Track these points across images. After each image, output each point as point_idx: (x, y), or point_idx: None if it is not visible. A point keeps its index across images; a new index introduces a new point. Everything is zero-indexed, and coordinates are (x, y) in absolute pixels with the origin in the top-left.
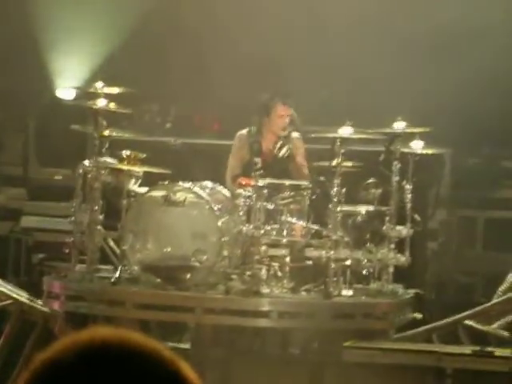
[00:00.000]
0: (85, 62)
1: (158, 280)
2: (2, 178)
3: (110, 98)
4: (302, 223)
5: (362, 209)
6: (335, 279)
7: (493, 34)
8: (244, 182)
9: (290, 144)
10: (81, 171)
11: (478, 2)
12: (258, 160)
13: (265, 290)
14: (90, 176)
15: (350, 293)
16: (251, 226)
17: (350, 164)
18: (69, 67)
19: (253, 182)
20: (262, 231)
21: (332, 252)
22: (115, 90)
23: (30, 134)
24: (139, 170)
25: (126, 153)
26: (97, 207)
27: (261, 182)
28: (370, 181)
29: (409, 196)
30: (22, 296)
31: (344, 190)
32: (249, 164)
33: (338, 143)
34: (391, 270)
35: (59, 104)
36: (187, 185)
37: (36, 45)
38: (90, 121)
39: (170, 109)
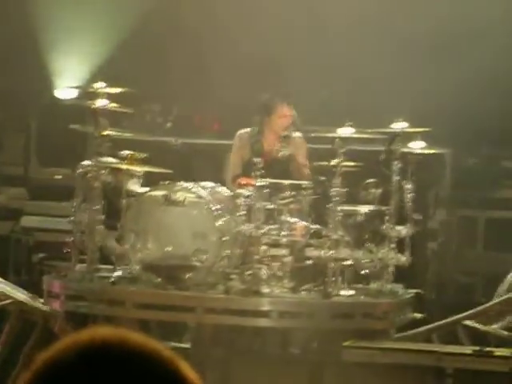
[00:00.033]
0: (85, 61)
1: (158, 279)
2: (2, 177)
3: (110, 97)
4: (302, 223)
5: (363, 208)
6: (335, 279)
7: (493, 34)
8: (244, 182)
9: (291, 144)
10: (81, 171)
11: (478, 2)
12: (258, 160)
13: (265, 289)
14: (90, 176)
15: (350, 292)
16: (251, 226)
17: (350, 164)
18: (69, 67)
19: (253, 182)
20: (262, 231)
21: (332, 252)
22: (116, 90)
23: (30, 133)
24: (140, 169)
25: (126, 152)
26: (97, 207)
27: (261, 182)
28: (371, 180)
29: (409, 196)
30: (23, 295)
31: (344, 189)
32: (249, 163)
33: (339, 143)
34: (391, 269)
35: (59, 104)
36: (187, 184)
37: (36, 45)
38: (91, 120)
39: (171, 109)
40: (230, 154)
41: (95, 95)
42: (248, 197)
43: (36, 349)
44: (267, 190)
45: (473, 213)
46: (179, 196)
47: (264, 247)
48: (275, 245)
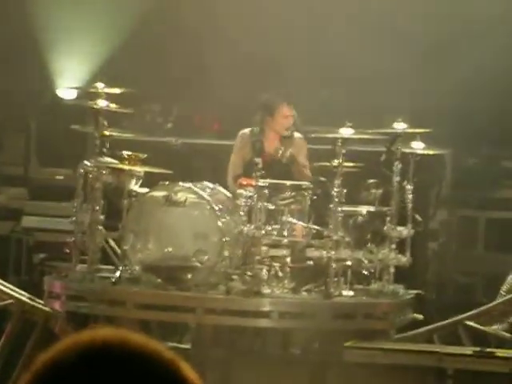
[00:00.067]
0: (85, 62)
1: (159, 280)
2: (2, 177)
3: (110, 98)
4: (302, 223)
5: (363, 209)
6: (336, 279)
7: (493, 34)
8: (245, 183)
9: (292, 145)
10: (82, 171)
11: (478, 2)
12: (258, 160)
13: (266, 290)
14: (90, 176)
15: (351, 293)
16: (252, 227)
17: (350, 164)
18: (69, 67)
19: (254, 183)
20: (263, 231)
21: (333, 252)
22: (116, 90)
23: (30, 133)
24: (140, 170)
25: (126, 153)
26: (98, 207)
27: (262, 182)
28: (371, 181)
29: (410, 196)
30: (23, 296)
31: (345, 190)
32: (250, 164)
33: (339, 143)
34: (392, 270)
35: (60, 104)
36: (188, 185)
37: (36, 45)
38: (91, 121)
39: (171, 109)
40: (231, 154)
41: (95, 95)
42: (249, 197)
43: (36, 349)
44: (268, 191)
45: (473, 213)
46: (180, 197)
47: (265, 248)
48: (276, 245)
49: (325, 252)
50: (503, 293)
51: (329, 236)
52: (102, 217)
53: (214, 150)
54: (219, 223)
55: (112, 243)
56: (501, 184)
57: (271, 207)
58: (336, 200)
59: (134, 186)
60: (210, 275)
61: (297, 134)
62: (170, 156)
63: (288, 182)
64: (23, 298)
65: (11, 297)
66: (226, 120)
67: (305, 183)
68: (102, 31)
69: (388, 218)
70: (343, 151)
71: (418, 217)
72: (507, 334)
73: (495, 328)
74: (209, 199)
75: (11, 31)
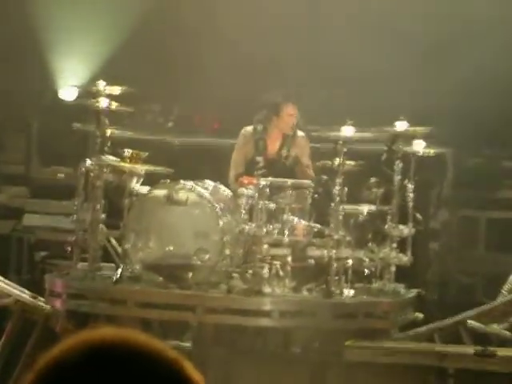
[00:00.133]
0: (86, 61)
1: (160, 279)
2: (4, 176)
3: (111, 97)
4: (303, 222)
5: (364, 208)
6: (337, 278)
7: (493, 34)
8: (246, 181)
9: (295, 144)
10: (83, 170)
11: (478, 2)
12: (259, 159)
13: (266, 289)
14: (92, 175)
15: (352, 292)
16: (253, 225)
17: (352, 163)
18: (70, 67)
19: (255, 181)
20: (264, 230)
21: (334, 251)
22: (117, 90)
23: (31, 133)
24: (141, 168)
25: (128, 151)
26: (99, 206)
27: (263, 181)
28: (372, 180)
29: (411, 195)
30: (24, 294)
31: (346, 189)
32: (252, 162)
33: (341, 142)
34: (393, 269)
35: (61, 103)
36: (189, 184)
37: (37, 44)
38: (92, 120)
39: (172, 108)
40: (232, 152)
41: (96, 95)
42: (250, 196)
43: (37, 348)
44: (269, 190)
45: (474, 213)
46: (181, 195)
47: (266, 247)
48: (277, 244)
49: (326, 251)
50: (505, 292)
51: (330, 235)
52: (103, 215)
53: (215, 149)
54: (220, 222)
55: (113, 242)
56: (502, 184)
57: (272, 206)
58: (337, 199)
59: (135, 185)
60: (211, 274)
61: (300, 133)
62: (172, 155)
63: (289, 181)
64: (24, 297)
65: (12, 295)
66: (226, 119)
67: (306, 182)
68: (102, 31)
69: (389, 217)
70: (344, 150)
71: (418, 216)
72: (508, 334)
73: (495, 327)
74: (210, 198)
75: (11, 31)
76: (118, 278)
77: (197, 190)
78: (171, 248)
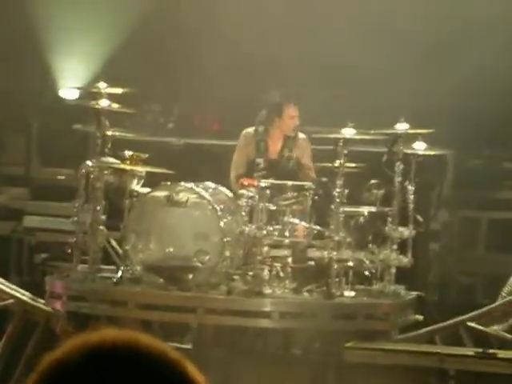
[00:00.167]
0: (86, 61)
1: (160, 280)
2: (4, 177)
3: (111, 98)
4: (304, 224)
5: (365, 209)
6: (337, 280)
7: (493, 34)
8: (246, 183)
9: (296, 146)
10: (83, 171)
11: (478, 2)
12: (260, 160)
13: (267, 290)
14: (92, 176)
15: (352, 293)
16: (253, 227)
17: (352, 165)
18: (70, 67)
19: (255, 183)
20: (265, 232)
21: (334, 253)
22: (117, 90)
23: (32, 133)
24: (142, 170)
25: (128, 153)
26: (99, 207)
27: (263, 183)
28: (373, 182)
29: (411, 197)
30: (25, 296)
31: (346, 190)
32: (253, 163)
33: (341, 144)
34: (393, 270)
35: (61, 104)
36: (190, 185)
37: (38, 45)
38: (93, 121)
39: (172, 109)
40: (233, 153)
41: (97, 95)
42: (250, 198)
43: (38, 349)
44: (269, 191)
45: (474, 214)
46: (182, 197)
47: (266, 248)
48: (277, 246)
49: (326, 252)
50: (504, 294)
51: (330, 236)
52: (103, 217)
53: (216, 150)
54: (220, 223)
55: (113, 243)
56: (502, 185)
57: (273, 207)
58: (337, 200)
59: (136, 186)
60: (211, 275)
61: (301, 135)
62: (172, 156)
63: (290, 183)
64: (24, 298)
65: (12, 296)
66: (226, 120)
67: (306, 183)
68: (102, 31)
69: (389, 219)
70: (345, 152)
71: (419, 217)
72: (508, 335)
73: (496, 329)
74: (210, 199)
75: (11, 31)
76: (119, 280)
77: (197, 192)
78: (171, 249)
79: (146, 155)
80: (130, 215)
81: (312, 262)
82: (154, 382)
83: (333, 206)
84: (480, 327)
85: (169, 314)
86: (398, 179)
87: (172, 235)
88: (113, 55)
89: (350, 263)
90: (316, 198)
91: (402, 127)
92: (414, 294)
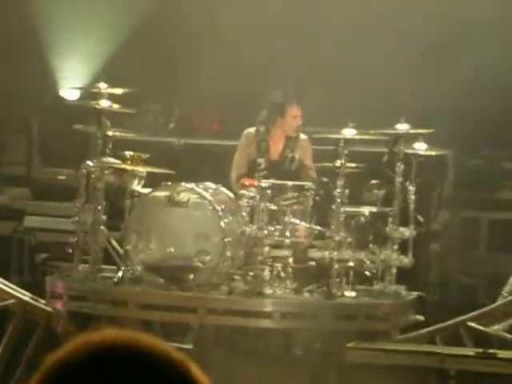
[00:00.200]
0: (86, 61)
1: (161, 280)
2: (5, 177)
3: (112, 98)
4: (305, 224)
5: (365, 210)
6: (338, 280)
7: (493, 34)
8: (247, 183)
9: (297, 147)
10: (84, 171)
11: (478, 2)
12: (261, 160)
13: (268, 290)
14: (93, 176)
15: (353, 294)
16: (254, 227)
17: (353, 165)
18: (71, 67)
19: (256, 183)
20: (265, 232)
21: (335, 253)
22: (118, 91)
23: (33, 133)
24: (142, 170)
25: (129, 153)
26: (100, 207)
27: (264, 183)
28: (374, 182)
29: (412, 197)
30: (25, 296)
31: (347, 191)
32: (254, 163)
33: (342, 144)
34: (394, 271)
35: (62, 104)
36: (190, 185)
37: (38, 44)
38: (94, 121)
39: (173, 109)
40: (234, 154)
41: (97, 96)
42: (251, 198)
43: (38, 349)
44: (270, 191)
45: (475, 214)
46: (182, 197)
47: (267, 248)
48: (278, 246)
49: (327, 253)
50: (505, 294)
51: (331, 237)
52: (104, 217)
53: (217, 150)
54: (221, 224)
55: (114, 243)
56: (502, 185)
57: (273, 208)
58: (338, 201)
59: (137, 187)
60: (212, 275)
61: (302, 136)
62: (173, 156)
63: (290, 183)
64: (25, 298)
65: (13, 297)
66: (226, 120)
67: (307, 184)
68: (102, 31)
69: (390, 219)
70: (345, 152)
71: (420, 218)
72: (508, 335)
73: (496, 328)
74: (211, 200)
75: (11, 31)
76: (119, 280)
77: (198, 192)
78: (172, 249)
79: (147, 155)
80: (131, 215)
81: (313, 263)
82: (156, 383)
83: (334, 207)
84: (480, 327)
85: (169, 314)
86: (398, 179)
87: (173, 235)
88: (113, 55)
89: (351, 263)
90: (317, 198)
91: (402, 127)
92: (414, 294)
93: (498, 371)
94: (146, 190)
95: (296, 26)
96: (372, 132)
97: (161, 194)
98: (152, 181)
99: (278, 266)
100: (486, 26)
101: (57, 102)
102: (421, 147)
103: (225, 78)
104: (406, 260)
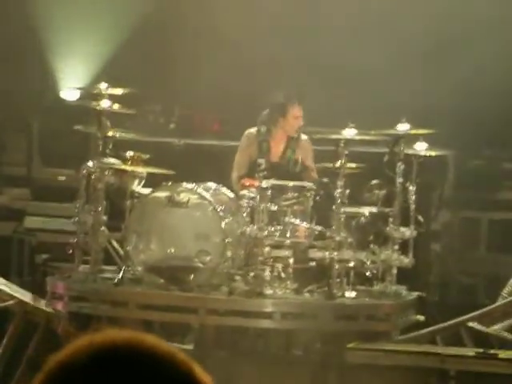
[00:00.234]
0: (87, 61)
1: (162, 281)
2: (5, 178)
3: (113, 98)
4: (305, 224)
5: (366, 210)
6: (338, 280)
7: (493, 34)
8: (247, 183)
9: (298, 147)
10: (84, 172)
11: (478, 2)
12: (261, 161)
13: (268, 291)
14: (93, 177)
15: (354, 294)
16: (255, 227)
17: (353, 165)
18: (71, 67)
19: (256, 183)
20: (266, 232)
21: (335, 253)
22: (118, 91)
23: (33, 134)
24: (143, 170)
25: (129, 153)
26: (100, 208)
27: (264, 183)
28: (374, 182)
29: (412, 197)
30: (26, 296)
31: (348, 191)
32: (255, 164)
33: (342, 144)
34: (394, 271)
35: (62, 104)
36: (191, 186)
37: (38, 45)
38: (94, 121)
39: (173, 109)
40: (235, 154)
41: (98, 96)
42: (251, 198)
43: (39, 350)
44: (270, 192)
45: (475, 214)
46: (183, 197)
47: (267, 249)
48: (278, 246)
49: (327, 253)
50: (505, 295)
51: (331, 237)
52: (104, 217)
53: (217, 150)
54: (222, 224)
55: (114, 244)
56: (502, 185)
57: (274, 208)
58: (339, 201)
59: (137, 187)
60: (213, 276)
61: (303, 136)
62: (173, 157)
63: (291, 183)
64: (25, 299)
65: (13, 297)
66: (226, 120)
67: (308, 184)
68: (102, 31)
69: (391, 219)
70: (346, 152)
71: (420, 218)
72: (509, 336)
73: (496, 329)
74: (211, 200)
75: (11, 31)
76: (120, 280)
77: (198, 192)
78: (173, 250)
79: (147, 156)
80: (131, 216)
81: (313, 263)
82: (159, 383)
83: (334, 207)
84: (481, 327)
85: (170, 315)
86: (399, 180)
87: (173, 236)
88: (113, 55)
89: (351, 264)
90: (317, 198)
91: (403, 128)
92: (414, 294)
93: (498, 371)
94: (147, 191)
95: (296, 25)
96: (372, 132)
97: (161, 194)
98: (152, 181)
99: (279, 266)
100: (486, 26)
101: (57, 102)
102: (421, 147)
103: (225, 78)
104: (407, 260)
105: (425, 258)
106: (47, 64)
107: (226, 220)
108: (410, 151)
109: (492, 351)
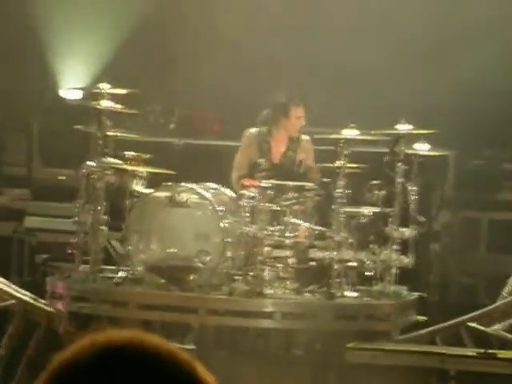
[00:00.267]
0: (87, 62)
1: (162, 281)
2: (5, 178)
3: (113, 98)
4: (305, 224)
5: (366, 210)
6: (339, 280)
7: (493, 34)
8: (248, 183)
9: (299, 148)
10: (84, 171)
11: (478, 2)
12: (261, 161)
13: (268, 291)
14: (93, 176)
15: (354, 294)
16: (255, 227)
17: (353, 165)
18: (71, 67)
19: (256, 183)
20: (266, 232)
21: (335, 253)
22: (119, 91)
23: (33, 134)
24: (143, 170)
25: (129, 153)
26: (100, 208)
27: (264, 183)
28: (374, 182)
29: (413, 197)
30: (26, 296)
31: (348, 191)
32: (256, 164)
33: (342, 144)
34: (394, 271)
35: (62, 104)
36: (191, 186)
37: (38, 45)
38: (94, 121)
39: (173, 109)
40: (235, 154)
41: (99, 96)
42: (252, 198)
43: (39, 350)
44: (271, 192)
45: (475, 214)
46: (183, 197)
47: (267, 248)
48: (279, 246)
49: (327, 253)
50: (505, 294)
51: (331, 237)
52: (104, 217)
53: (217, 150)
54: (222, 224)
55: (115, 244)
56: (502, 186)
57: (274, 208)
58: (339, 201)
59: (137, 187)
60: (213, 276)
61: (304, 137)
62: (173, 156)
63: (291, 183)
64: (25, 299)
65: (13, 297)
66: (226, 120)
67: (308, 184)
68: (102, 31)
69: (391, 219)
70: (346, 152)
71: (420, 218)
72: (509, 335)
73: (496, 328)
74: (211, 200)
75: (11, 31)
76: (120, 280)
77: (198, 192)
78: (173, 250)
79: (147, 156)
80: (132, 215)
81: (313, 263)
82: (162, 383)
83: (334, 207)
84: (481, 327)
85: (170, 315)
86: (399, 180)
87: (173, 236)
88: (113, 55)
89: (352, 263)
90: (317, 198)
91: (403, 128)
92: (414, 294)
93: (498, 371)
94: (147, 191)
95: (296, 25)
96: (373, 132)
97: (161, 194)
98: (152, 181)
99: (279, 266)
100: (486, 26)
101: (57, 102)
102: (422, 147)
103: (225, 78)
104: (407, 260)
105: (425, 258)
106: (47, 64)
107: (226, 220)
108: (411, 151)
109: (492, 351)
